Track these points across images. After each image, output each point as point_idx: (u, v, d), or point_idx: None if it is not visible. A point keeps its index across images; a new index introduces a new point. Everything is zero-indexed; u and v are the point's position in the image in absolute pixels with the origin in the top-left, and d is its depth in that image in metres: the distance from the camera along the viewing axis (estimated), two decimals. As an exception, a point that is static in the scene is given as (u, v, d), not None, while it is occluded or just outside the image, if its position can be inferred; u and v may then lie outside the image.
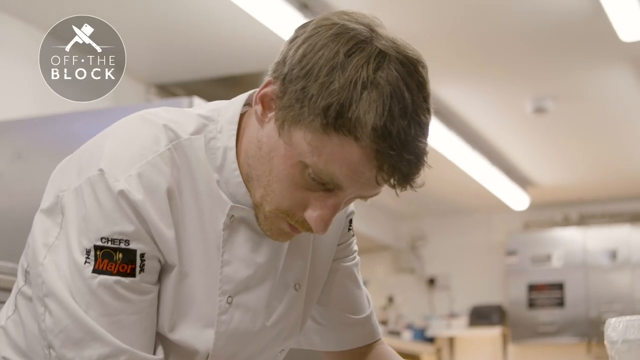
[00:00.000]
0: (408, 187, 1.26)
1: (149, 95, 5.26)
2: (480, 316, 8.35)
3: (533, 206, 8.18)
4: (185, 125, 1.35)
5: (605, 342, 1.39)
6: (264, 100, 1.30)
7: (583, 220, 8.44)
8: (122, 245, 1.27)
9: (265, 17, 4.32)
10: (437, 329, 8.41)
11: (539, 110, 5.86)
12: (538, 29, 4.79)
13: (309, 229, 1.32)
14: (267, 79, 1.31)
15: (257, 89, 1.37)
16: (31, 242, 1.33)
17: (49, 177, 3.70)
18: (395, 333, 7.67)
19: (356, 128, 1.20)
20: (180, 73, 5.25)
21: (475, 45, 4.98)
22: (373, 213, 8.26)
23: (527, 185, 7.82)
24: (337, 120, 1.21)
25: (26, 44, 4.54)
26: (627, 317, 1.38)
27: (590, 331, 7.81)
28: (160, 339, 1.35)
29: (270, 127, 1.29)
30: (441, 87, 5.42)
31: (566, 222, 8.49)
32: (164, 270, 1.33)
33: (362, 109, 1.20)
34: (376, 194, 1.31)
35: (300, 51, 1.25)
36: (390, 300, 8.39)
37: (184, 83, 5.31)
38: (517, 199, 7.85)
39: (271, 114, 1.29)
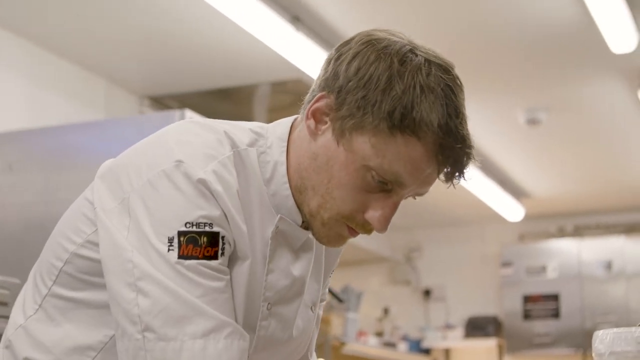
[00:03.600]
0: (462, 179, 1.37)
1: (142, 108, 5.26)
2: (476, 327, 8.35)
3: (528, 217, 8.19)
4: (240, 136, 1.41)
5: (593, 354, 1.39)
6: (316, 115, 1.38)
7: (578, 232, 8.45)
8: (207, 229, 1.30)
9: (258, 31, 4.33)
10: (433, 340, 8.39)
11: (532, 121, 5.87)
12: (530, 41, 4.81)
13: (369, 230, 1.41)
14: (317, 94, 1.39)
15: (296, 116, 1.46)
16: (106, 235, 1.33)
17: (40, 189, 3.69)
18: (390, 345, 7.66)
19: (420, 127, 1.31)
20: (173, 85, 5.25)
21: (468, 57, 4.99)
22: (368, 225, 8.25)
23: (522, 196, 7.83)
24: (402, 121, 1.31)
25: (19, 56, 4.54)
26: (615, 329, 1.39)
27: (586, 342, 7.80)
28: None
29: (326, 138, 1.37)
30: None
31: (561, 233, 8.49)
32: (232, 263, 1.36)
33: (424, 110, 1.31)
34: (427, 192, 1.40)
35: (354, 65, 1.35)
36: (386, 311, 8.39)
37: (177, 95, 5.31)
38: (512, 210, 7.85)
39: (325, 127, 1.38)
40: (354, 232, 1.41)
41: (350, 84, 1.34)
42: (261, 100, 5.32)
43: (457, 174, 1.36)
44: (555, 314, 8.08)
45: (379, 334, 7.81)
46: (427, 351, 8.45)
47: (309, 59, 4.56)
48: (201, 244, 1.29)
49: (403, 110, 1.30)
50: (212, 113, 3.86)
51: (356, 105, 1.33)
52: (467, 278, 8.68)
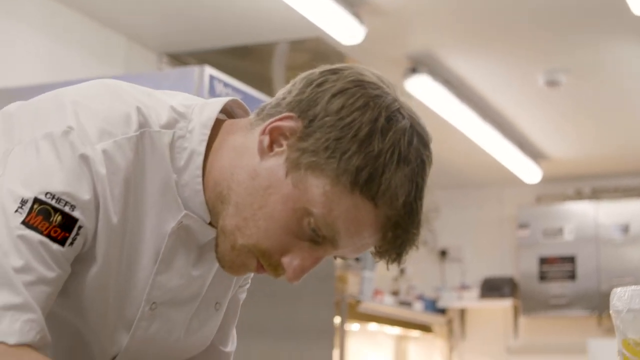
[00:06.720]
0: (395, 263, 1.26)
1: (161, 65, 5.27)
2: (492, 288, 8.37)
3: (545, 179, 8.16)
4: (158, 114, 1.27)
5: (611, 312, 1.39)
6: (274, 133, 1.25)
7: (595, 194, 8.42)
8: (66, 209, 1.17)
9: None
10: (449, 300, 8.43)
11: (552, 83, 5.84)
12: (551, 2, 4.77)
13: (279, 275, 1.27)
14: (284, 112, 1.25)
15: (234, 100, 1.34)
16: None
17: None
18: (406, 304, 7.69)
19: (384, 196, 1.20)
20: (192, 42, 5.25)
21: (487, 17, 4.96)
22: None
23: (540, 158, 7.81)
24: (367, 183, 1.20)
25: (38, 13, 4.54)
26: (633, 287, 1.38)
27: (601, 304, 7.81)
28: (67, 327, 1.28)
29: (276, 162, 1.24)
30: (453, 57, 5.40)
31: (578, 196, 8.47)
32: (85, 260, 1.23)
33: (394, 181, 1.20)
34: (352, 257, 1.31)
35: (338, 101, 1.22)
36: (402, 271, 8.40)
37: (196, 52, 5.31)
38: (530, 172, 7.84)
39: (280, 149, 1.24)
40: (261, 269, 1.27)
41: (327, 119, 1.21)
42: (279, 59, 5.30)
43: (396, 257, 1.25)
44: (571, 276, 8.09)
45: (395, 293, 7.85)
46: (442, 311, 8.49)
47: (328, 18, 4.54)
48: (52, 221, 1.15)
49: (372, 172, 1.19)
50: (231, 70, 3.85)
51: (325, 144, 1.20)
52: (484, 239, 8.68)
